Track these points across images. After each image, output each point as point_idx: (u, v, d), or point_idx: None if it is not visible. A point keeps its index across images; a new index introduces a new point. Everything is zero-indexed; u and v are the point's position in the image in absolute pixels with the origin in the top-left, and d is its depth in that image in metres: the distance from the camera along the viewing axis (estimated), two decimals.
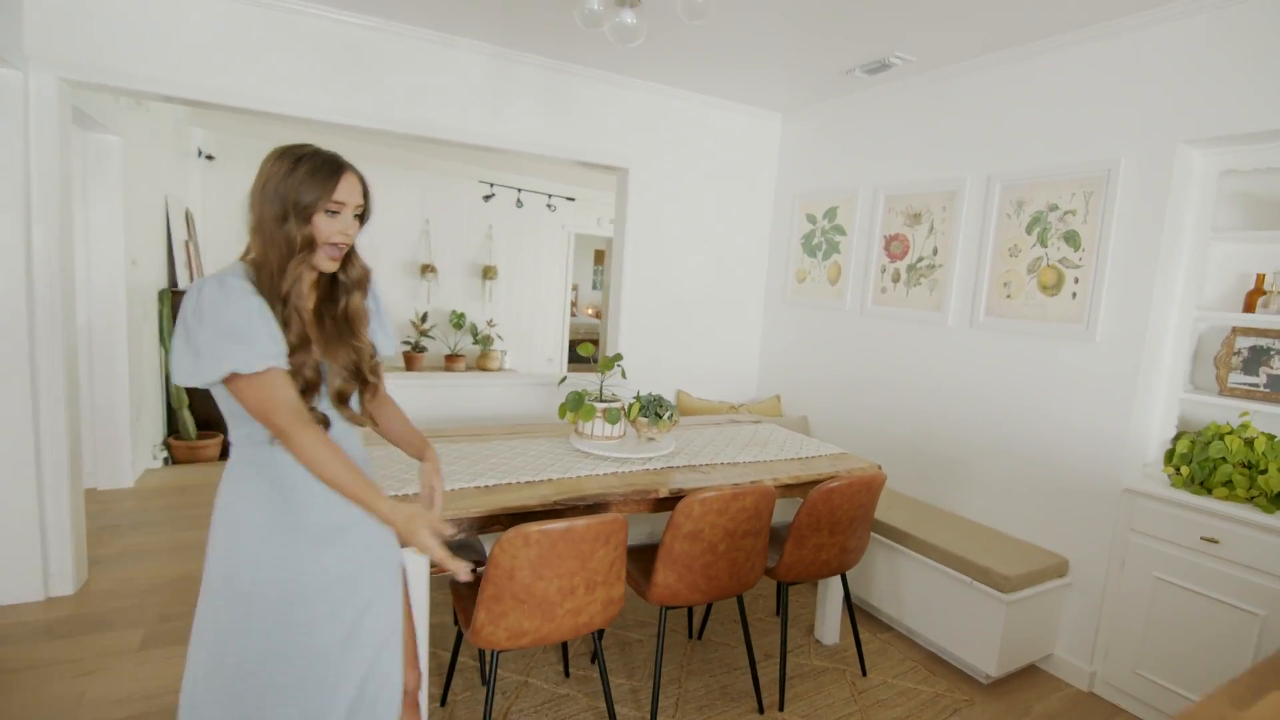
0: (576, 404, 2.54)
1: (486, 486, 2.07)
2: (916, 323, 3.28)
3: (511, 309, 7.25)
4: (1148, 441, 2.52)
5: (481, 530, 1.95)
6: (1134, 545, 2.43)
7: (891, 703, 2.42)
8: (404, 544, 1.32)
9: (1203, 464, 2.34)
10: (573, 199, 7.28)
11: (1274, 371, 2.38)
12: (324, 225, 1.23)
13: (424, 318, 6.54)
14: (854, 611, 2.74)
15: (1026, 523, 2.80)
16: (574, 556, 1.82)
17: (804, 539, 2.34)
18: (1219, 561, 2.21)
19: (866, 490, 2.36)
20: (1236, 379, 2.46)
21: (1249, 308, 2.41)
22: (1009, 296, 2.87)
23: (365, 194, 1.30)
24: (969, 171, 3.02)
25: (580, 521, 1.80)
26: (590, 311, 11.17)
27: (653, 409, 2.59)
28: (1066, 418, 2.67)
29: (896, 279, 3.39)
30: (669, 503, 2.21)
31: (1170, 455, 2.48)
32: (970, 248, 3.03)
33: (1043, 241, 2.74)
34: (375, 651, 1.34)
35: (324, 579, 1.27)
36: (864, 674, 2.58)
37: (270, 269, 1.21)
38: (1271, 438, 2.27)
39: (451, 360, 6.57)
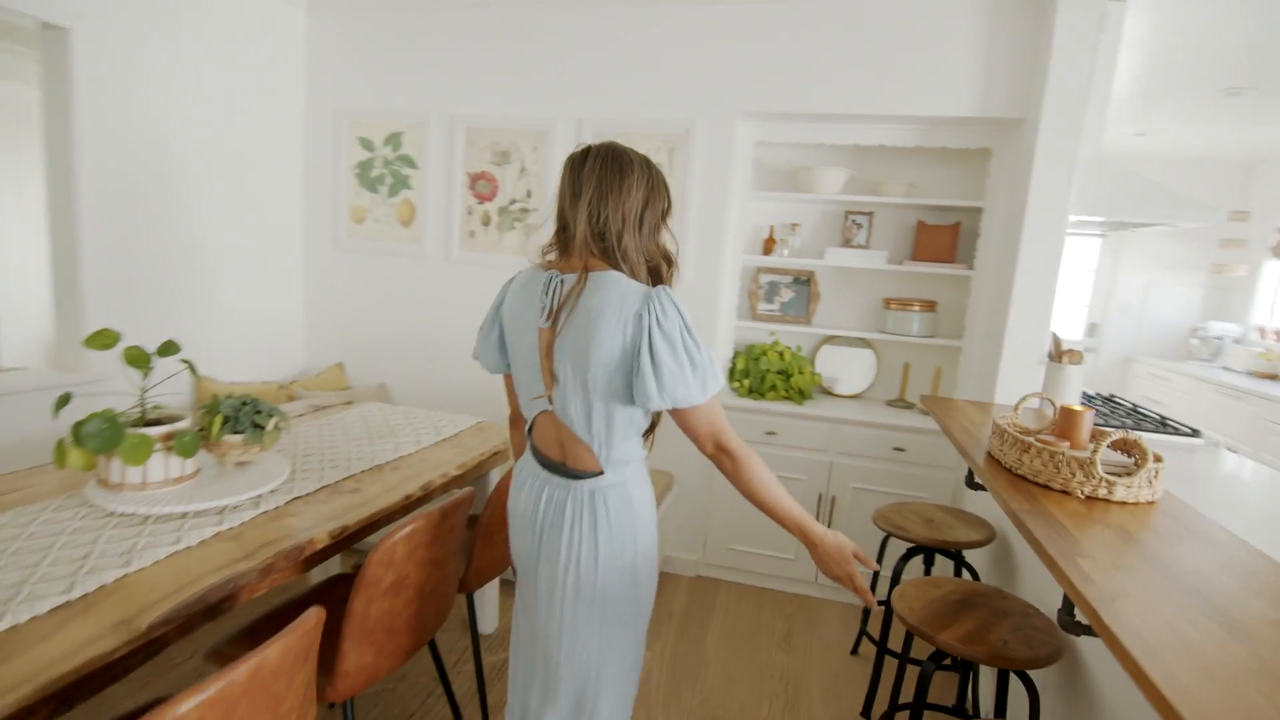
0: (107, 436, 1.49)
1: None
2: (510, 269, 3.11)
3: None
4: (719, 362, 3.07)
5: None
6: None
7: None
8: (825, 569, 1.31)
9: (756, 376, 3.00)
10: None
11: (784, 299, 3.20)
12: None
13: None
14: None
15: None
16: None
17: (493, 535, 2.00)
18: (778, 447, 2.89)
19: None
20: (763, 307, 3.21)
21: (766, 251, 3.14)
22: None
23: None
24: (559, 112, 2.96)
25: (245, 668, 0.98)
26: None
27: (248, 418, 1.73)
28: None
29: (487, 222, 3.13)
30: (328, 552, 1.53)
31: (733, 372, 3.09)
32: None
33: None
34: None
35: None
36: None
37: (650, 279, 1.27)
38: (793, 350, 3.07)
39: None
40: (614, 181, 1.22)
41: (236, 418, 1.68)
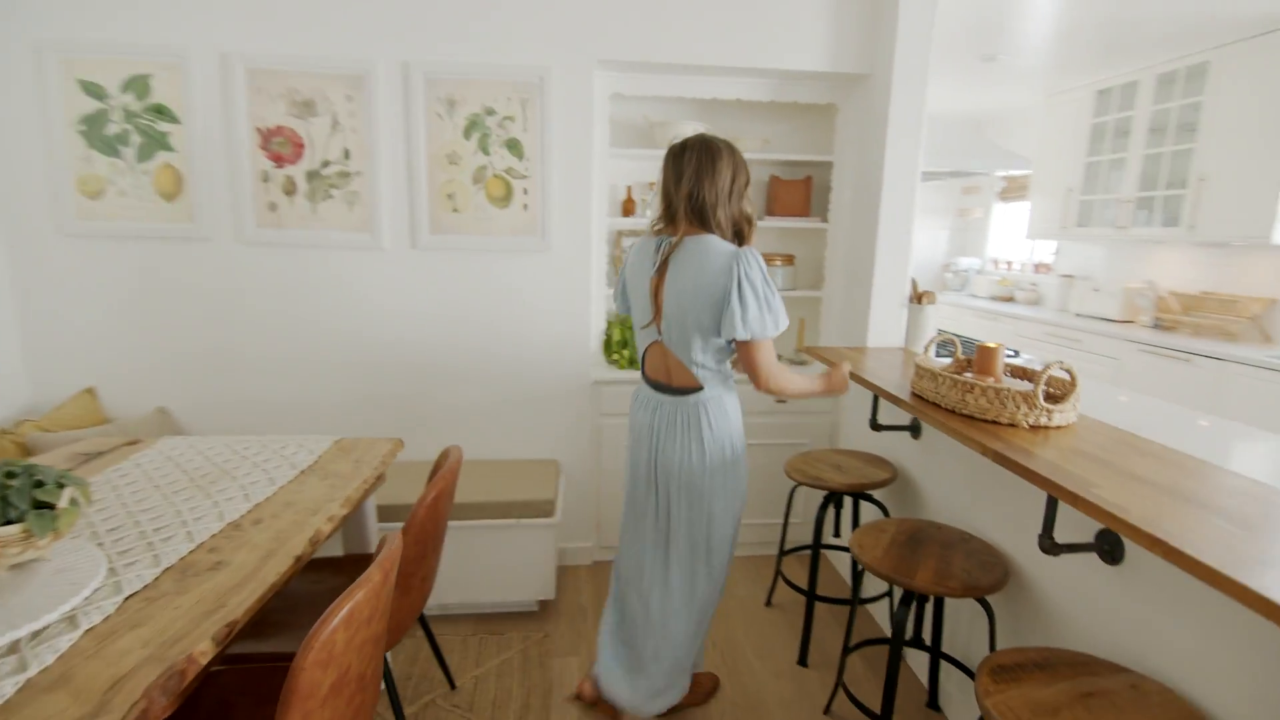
0: None
1: None
2: (335, 248, 2.56)
3: None
4: (591, 337, 2.85)
5: None
6: (607, 427, 2.78)
7: (490, 689, 2.09)
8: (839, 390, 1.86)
9: (635, 346, 2.84)
10: None
11: None
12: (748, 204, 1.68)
13: None
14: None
15: (513, 441, 2.77)
16: None
17: (411, 578, 1.62)
18: None
19: (454, 478, 1.80)
20: None
21: (626, 213, 2.96)
22: (456, 210, 2.58)
23: None
24: (378, 53, 2.43)
25: None
26: None
27: (22, 496, 1.15)
28: (535, 331, 2.71)
29: (291, 191, 2.50)
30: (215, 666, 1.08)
31: (608, 344, 2.90)
32: (398, 153, 2.51)
33: (484, 149, 2.54)
34: None
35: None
36: (453, 687, 2.11)
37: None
38: None
39: None
40: (708, 167, 1.61)
41: (3, 498, 1.10)
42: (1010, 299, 5.25)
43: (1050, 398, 1.65)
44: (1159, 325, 4.00)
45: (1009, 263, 5.56)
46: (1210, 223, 3.57)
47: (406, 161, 2.52)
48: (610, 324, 2.94)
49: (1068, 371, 1.60)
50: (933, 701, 2.05)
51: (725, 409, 1.74)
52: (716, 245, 1.61)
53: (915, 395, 1.88)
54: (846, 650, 1.99)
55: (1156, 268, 4.22)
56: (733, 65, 2.59)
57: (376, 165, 2.50)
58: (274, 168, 2.48)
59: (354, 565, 1.88)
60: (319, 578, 1.81)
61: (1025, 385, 1.64)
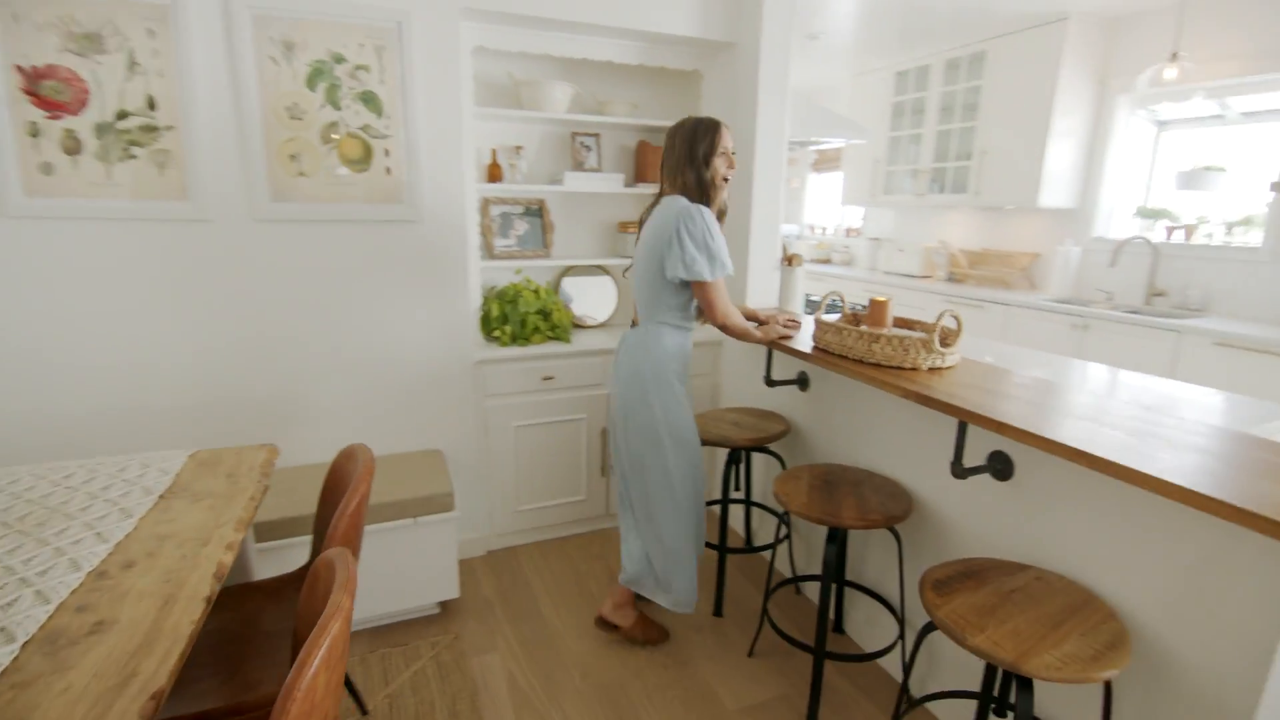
0: None
1: None
2: (143, 221, 2.09)
3: None
4: (470, 314, 2.65)
5: None
6: (493, 409, 2.62)
7: (408, 706, 1.92)
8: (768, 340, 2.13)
9: (516, 320, 2.70)
10: None
11: (519, 232, 2.90)
12: (720, 164, 1.91)
13: None
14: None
15: (388, 434, 2.51)
16: None
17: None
18: (555, 391, 2.70)
19: (370, 480, 1.57)
20: (499, 243, 2.85)
21: (492, 179, 2.77)
22: (303, 174, 2.22)
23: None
24: None
25: None
26: None
27: None
28: (406, 311, 2.45)
29: (74, 149, 1.98)
30: None
31: (487, 320, 2.72)
32: (222, 103, 2.09)
33: (334, 103, 2.20)
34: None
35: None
36: (365, 713, 1.89)
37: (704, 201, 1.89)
38: (543, 287, 2.84)
39: None
40: (679, 137, 1.90)
41: None
42: (828, 260, 5.81)
43: (942, 342, 1.85)
44: (952, 278, 4.68)
45: (824, 228, 6.14)
46: (990, 190, 4.22)
47: (235, 114, 2.11)
48: (487, 299, 2.75)
49: (955, 319, 1.80)
50: (838, 627, 2.25)
51: (661, 339, 1.95)
52: (677, 203, 1.85)
53: (819, 349, 2.00)
54: (768, 593, 2.10)
55: (948, 229, 4.92)
56: (603, 23, 2.50)
57: (194, 118, 2.06)
58: (46, 118, 1.94)
59: (247, 595, 1.59)
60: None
61: (919, 334, 1.82)
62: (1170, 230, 3.72)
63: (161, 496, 1.44)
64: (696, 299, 1.92)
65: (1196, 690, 1.27)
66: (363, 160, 2.28)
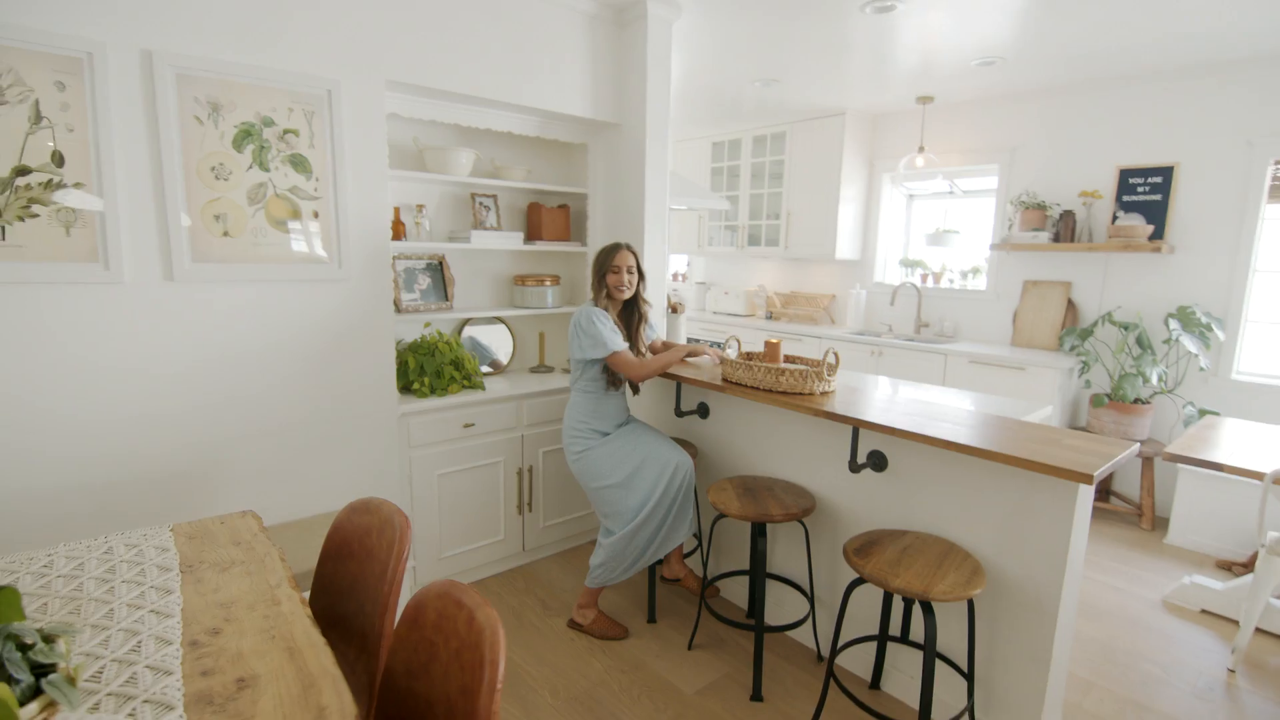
0: None
1: None
2: (46, 284, 1.91)
3: None
4: (392, 367, 2.69)
5: None
6: (417, 459, 2.69)
7: None
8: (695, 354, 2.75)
9: (433, 371, 2.81)
10: None
11: (423, 286, 3.00)
12: (611, 279, 2.51)
13: None
14: None
15: (315, 493, 2.46)
16: None
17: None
18: (476, 437, 2.83)
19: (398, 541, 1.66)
20: (406, 297, 2.93)
21: (396, 236, 2.87)
22: (227, 234, 2.17)
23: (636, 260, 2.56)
24: (108, 33, 1.90)
25: None
26: None
27: (21, 665, 0.83)
28: (333, 368, 2.45)
29: None
30: None
31: (404, 372, 2.78)
32: (138, 162, 2.00)
33: (262, 164, 2.20)
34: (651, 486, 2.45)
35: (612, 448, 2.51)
36: None
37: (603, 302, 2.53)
38: (453, 337, 2.96)
39: None
40: (594, 259, 2.58)
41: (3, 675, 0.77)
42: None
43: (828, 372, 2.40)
44: (770, 316, 5.55)
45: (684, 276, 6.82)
46: (796, 244, 5.14)
47: (152, 173, 2.02)
48: (400, 353, 2.81)
49: (835, 355, 2.36)
50: (752, 612, 2.69)
51: (575, 405, 2.54)
52: (581, 306, 2.48)
53: (729, 381, 2.45)
54: (705, 589, 2.47)
55: (764, 275, 5.82)
56: (508, 100, 2.78)
57: (107, 177, 1.94)
58: None
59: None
60: None
61: (813, 368, 2.35)
62: (925, 276, 4.89)
63: (182, 571, 1.41)
64: (610, 367, 2.45)
65: (1021, 595, 1.89)
66: (290, 220, 2.28)
